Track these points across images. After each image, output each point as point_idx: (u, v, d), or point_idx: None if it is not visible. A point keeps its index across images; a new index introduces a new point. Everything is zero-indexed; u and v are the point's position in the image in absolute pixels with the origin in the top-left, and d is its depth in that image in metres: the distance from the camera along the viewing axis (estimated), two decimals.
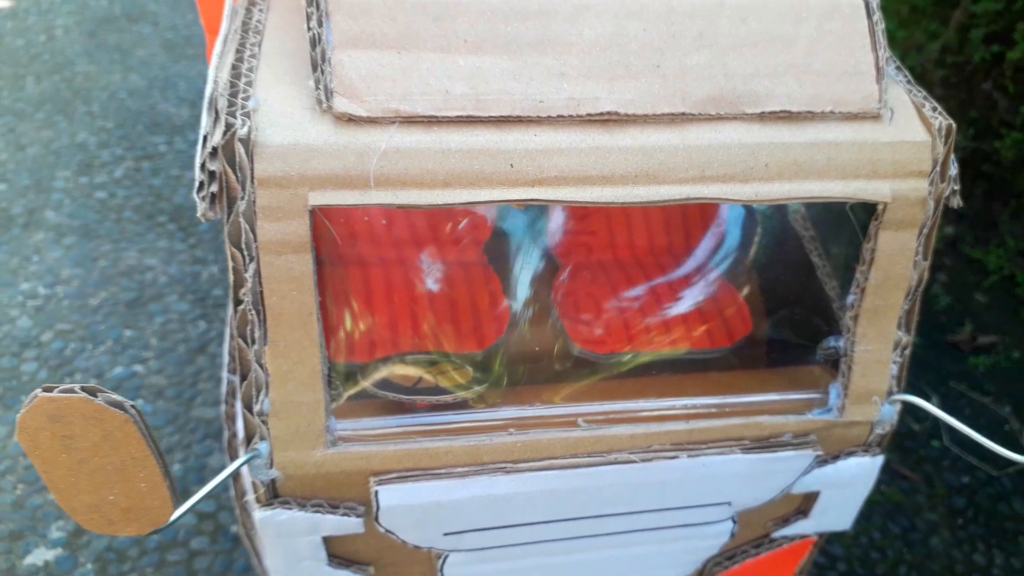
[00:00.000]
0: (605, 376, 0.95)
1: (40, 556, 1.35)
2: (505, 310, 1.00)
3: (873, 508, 1.58)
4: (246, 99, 0.67)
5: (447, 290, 0.99)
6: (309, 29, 0.68)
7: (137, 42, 2.92)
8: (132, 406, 0.58)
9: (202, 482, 1.49)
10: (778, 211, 1.03)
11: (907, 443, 1.70)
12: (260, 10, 0.81)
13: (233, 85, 0.69)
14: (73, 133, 2.40)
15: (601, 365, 0.98)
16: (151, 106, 2.57)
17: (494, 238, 1.06)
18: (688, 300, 1.05)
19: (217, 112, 0.66)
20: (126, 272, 1.93)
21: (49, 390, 0.55)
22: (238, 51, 0.73)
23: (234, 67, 0.71)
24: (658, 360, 0.98)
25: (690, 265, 1.07)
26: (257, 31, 0.77)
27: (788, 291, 1.02)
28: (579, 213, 1.07)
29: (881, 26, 0.76)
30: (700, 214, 1.09)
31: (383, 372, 0.86)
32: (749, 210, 1.05)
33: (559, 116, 0.69)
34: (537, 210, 1.04)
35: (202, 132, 0.67)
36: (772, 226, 1.03)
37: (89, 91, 2.61)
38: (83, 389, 0.55)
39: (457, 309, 0.98)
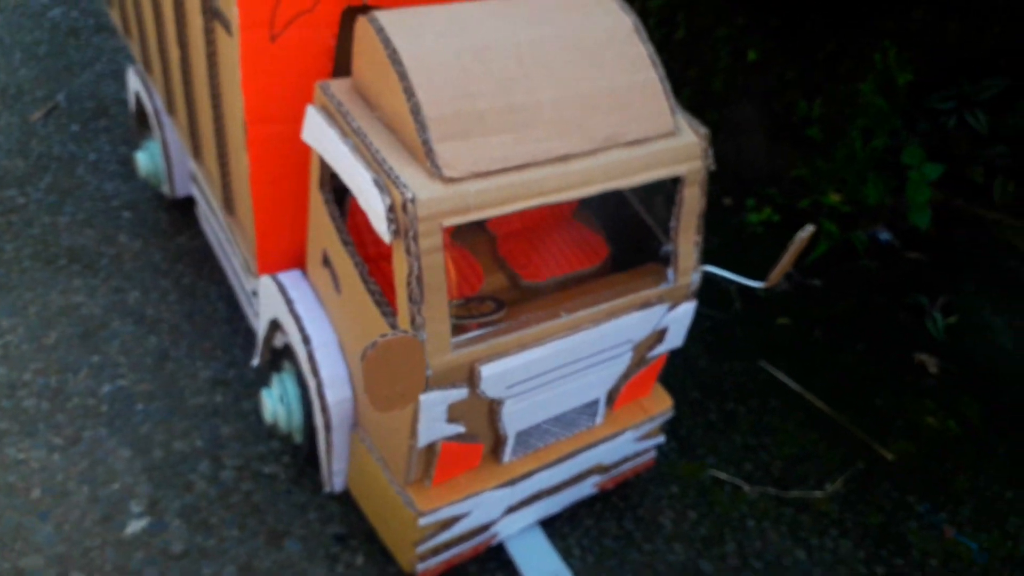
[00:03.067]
0: (545, 292, 1.66)
1: (136, 526, 1.78)
2: (479, 268, 1.67)
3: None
4: (397, 178, 1.27)
5: (451, 264, 1.64)
6: (419, 134, 1.29)
7: None
8: (418, 336, 1.18)
9: (221, 449, 1.97)
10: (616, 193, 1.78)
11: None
12: (350, 120, 1.38)
13: (383, 169, 1.29)
14: None
15: (540, 286, 1.69)
16: None
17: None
18: (572, 243, 1.79)
19: (382, 187, 1.27)
20: (61, 312, 2.25)
21: (384, 336, 1.14)
22: (366, 147, 1.32)
23: (375, 157, 1.30)
24: (568, 277, 1.72)
25: (571, 225, 1.81)
26: (362, 133, 1.35)
27: (630, 229, 1.78)
28: None
29: (670, 88, 1.52)
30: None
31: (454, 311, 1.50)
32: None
33: (544, 160, 1.38)
34: None
35: (380, 198, 1.26)
36: (616, 199, 1.79)
37: None
38: (401, 331, 1.15)
39: (459, 273, 1.64)
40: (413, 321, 1.32)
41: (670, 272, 1.63)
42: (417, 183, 1.28)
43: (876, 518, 2.09)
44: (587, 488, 1.85)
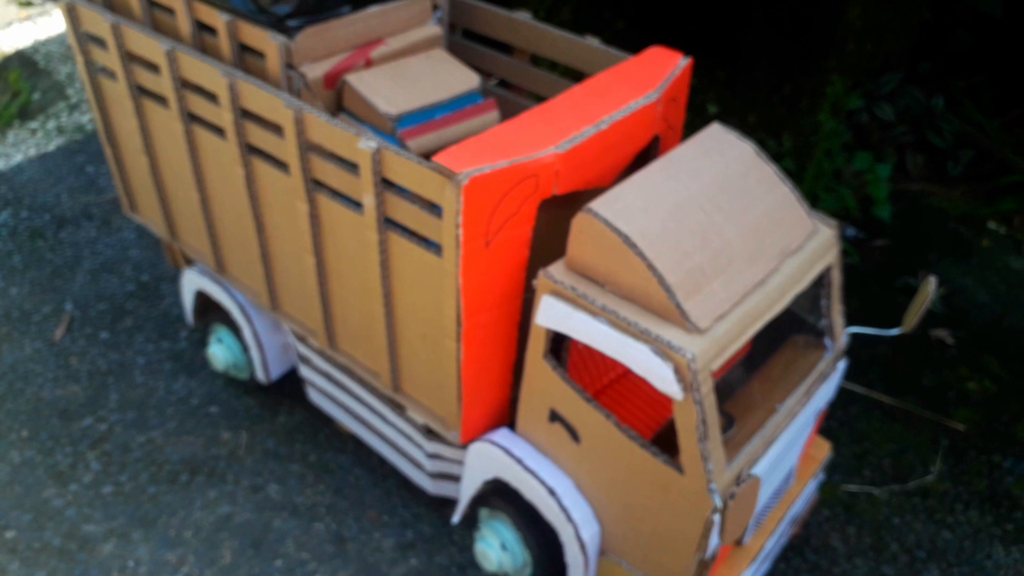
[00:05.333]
0: (721, 387, 1.90)
1: None
2: None
3: None
4: (670, 343, 1.48)
5: None
6: (669, 299, 1.51)
7: None
8: (754, 476, 1.39)
9: None
10: None
11: None
12: (591, 300, 1.57)
13: (652, 339, 1.49)
14: None
15: (716, 383, 1.93)
16: None
17: None
18: None
19: (662, 355, 1.48)
20: (217, 527, 2.27)
21: (739, 484, 1.34)
22: (623, 322, 1.52)
23: (638, 329, 1.51)
24: (734, 368, 1.97)
25: None
26: (611, 310, 1.55)
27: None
28: None
29: (800, 193, 1.81)
30: None
31: None
32: None
33: (751, 287, 1.63)
34: None
35: (663, 365, 1.47)
36: None
37: None
38: (749, 475, 1.36)
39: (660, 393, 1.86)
40: (702, 455, 1.53)
41: (828, 341, 1.91)
42: (686, 342, 1.50)
43: (981, 484, 2.46)
44: (784, 539, 2.11)
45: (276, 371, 2.55)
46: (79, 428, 2.57)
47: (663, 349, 1.50)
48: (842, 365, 1.97)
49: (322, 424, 2.58)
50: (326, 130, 1.73)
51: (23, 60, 4.76)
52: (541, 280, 1.65)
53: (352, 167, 1.74)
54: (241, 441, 2.54)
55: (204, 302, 2.62)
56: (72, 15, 2.25)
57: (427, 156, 1.93)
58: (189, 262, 2.66)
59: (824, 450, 2.13)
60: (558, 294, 1.63)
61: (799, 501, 2.04)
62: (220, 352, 2.60)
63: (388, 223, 1.75)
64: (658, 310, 1.55)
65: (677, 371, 1.48)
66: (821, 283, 1.87)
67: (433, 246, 1.67)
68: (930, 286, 1.87)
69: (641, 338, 1.52)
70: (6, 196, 3.68)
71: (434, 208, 1.62)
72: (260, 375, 2.55)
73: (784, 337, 1.98)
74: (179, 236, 2.51)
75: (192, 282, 2.59)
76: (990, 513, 2.38)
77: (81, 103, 4.34)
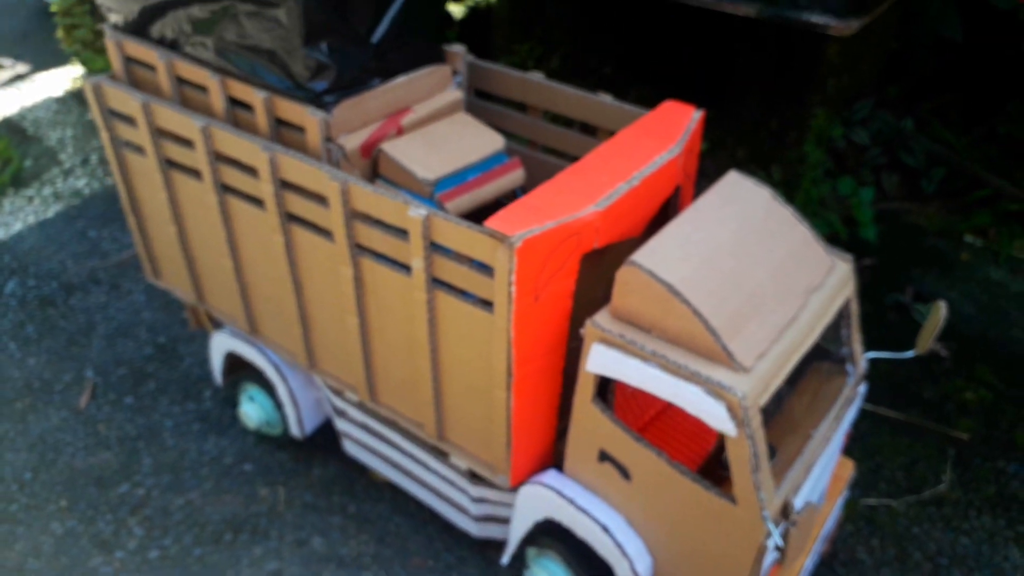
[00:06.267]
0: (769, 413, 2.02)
1: None
2: None
3: None
4: (720, 383, 1.59)
5: None
6: (715, 342, 1.62)
7: None
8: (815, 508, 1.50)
9: None
10: None
11: None
12: (640, 346, 1.68)
13: (702, 380, 1.60)
14: None
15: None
16: None
17: None
18: None
19: (715, 395, 1.59)
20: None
21: (799, 512, 1.45)
22: (673, 365, 1.63)
23: (688, 371, 1.62)
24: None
25: None
26: (661, 355, 1.66)
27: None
28: None
29: (816, 232, 1.94)
30: None
31: None
32: None
33: (785, 325, 1.74)
34: None
35: (717, 404, 1.58)
36: None
37: None
38: (809, 504, 1.47)
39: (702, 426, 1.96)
40: (755, 486, 1.64)
41: (849, 367, 2.04)
42: (735, 382, 1.61)
43: (990, 490, 2.60)
44: (817, 557, 2.22)
45: (310, 425, 2.62)
46: (117, 495, 2.61)
47: (715, 389, 1.60)
48: (863, 388, 2.09)
49: (357, 474, 2.65)
50: (372, 199, 1.83)
51: (11, 127, 4.79)
52: (589, 329, 1.75)
53: (399, 232, 1.83)
54: (279, 497, 2.59)
55: (233, 362, 2.69)
56: (98, 93, 2.33)
57: (464, 216, 2.04)
58: (216, 324, 2.73)
59: (848, 469, 2.25)
60: (607, 342, 1.73)
61: (830, 519, 2.16)
62: (252, 411, 2.66)
63: (436, 283, 1.85)
64: (704, 352, 1.66)
65: (730, 409, 1.59)
66: (841, 314, 2.00)
67: (480, 302, 1.77)
68: (941, 311, 2.01)
69: (693, 380, 1.63)
70: (11, 265, 3.70)
71: (480, 267, 1.72)
72: (295, 430, 2.62)
73: (806, 365, 2.10)
74: (207, 300, 2.58)
75: (223, 344, 2.65)
76: (1002, 517, 2.51)
77: (75, 168, 4.39)
